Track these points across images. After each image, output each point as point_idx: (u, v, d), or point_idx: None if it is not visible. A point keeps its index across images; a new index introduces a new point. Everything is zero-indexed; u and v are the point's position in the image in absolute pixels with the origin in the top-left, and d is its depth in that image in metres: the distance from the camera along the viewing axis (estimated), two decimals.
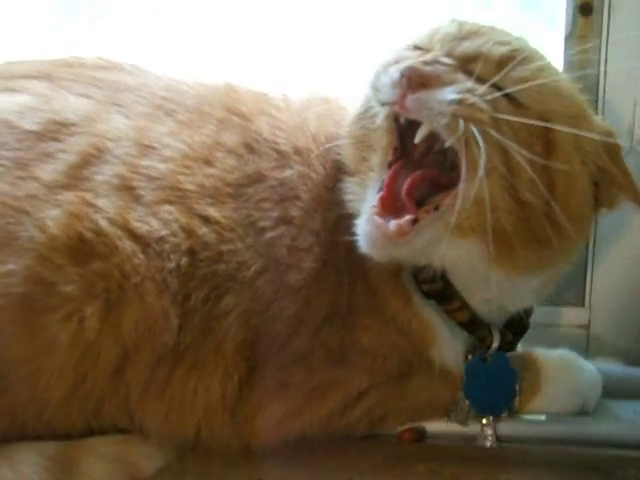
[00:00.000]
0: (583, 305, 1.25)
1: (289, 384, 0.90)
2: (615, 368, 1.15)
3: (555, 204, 0.78)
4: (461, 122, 0.74)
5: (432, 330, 0.92)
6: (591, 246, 1.21)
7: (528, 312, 0.99)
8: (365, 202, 0.84)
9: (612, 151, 0.86)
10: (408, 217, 0.78)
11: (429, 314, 0.92)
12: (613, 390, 1.06)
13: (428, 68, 0.78)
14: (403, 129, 0.82)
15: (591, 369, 1.04)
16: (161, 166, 0.87)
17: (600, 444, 0.97)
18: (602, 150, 0.85)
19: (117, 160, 0.87)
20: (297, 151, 0.92)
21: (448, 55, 0.82)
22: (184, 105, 0.95)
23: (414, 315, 0.91)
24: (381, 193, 0.81)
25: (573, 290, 1.25)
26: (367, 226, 0.80)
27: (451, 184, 0.79)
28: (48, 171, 0.85)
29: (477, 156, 0.74)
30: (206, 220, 0.87)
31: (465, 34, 0.84)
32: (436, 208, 0.79)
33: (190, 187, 0.87)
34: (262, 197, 0.90)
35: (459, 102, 0.75)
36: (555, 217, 0.79)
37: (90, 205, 0.84)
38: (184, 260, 0.85)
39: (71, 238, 0.82)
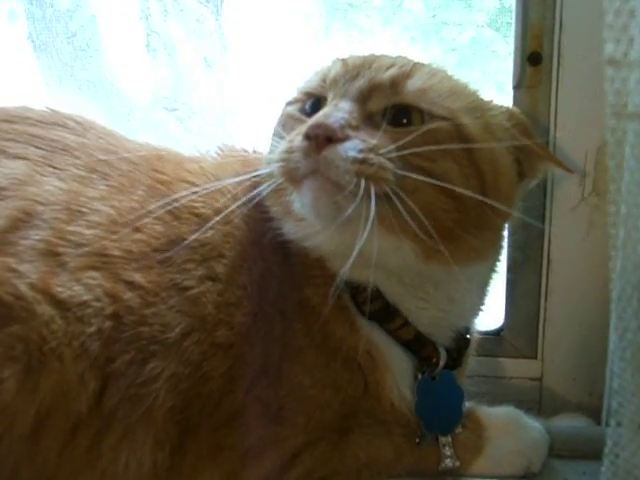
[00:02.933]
0: (535, 357, 1.22)
1: (223, 446, 0.87)
2: (565, 426, 1.12)
3: (487, 189, 0.83)
4: (363, 183, 0.77)
5: (381, 353, 0.90)
6: (543, 299, 1.19)
7: (468, 328, 0.99)
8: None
9: (522, 128, 0.91)
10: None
11: (375, 336, 0.90)
12: (562, 450, 1.02)
13: (329, 120, 0.79)
14: None
15: (537, 427, 1.01)
16: (88, 232, 0.86)
17: None
18: (513, 130, 0.89)
19: (45, 225, 0.85)
20: (217, 212, 0.90)
21: (344, 97, 0.84)
22: (118, 169, 0.93)
23: (360, 339, 0.89)
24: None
25: (525, 342, 1.21)
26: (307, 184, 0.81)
27: None
28: None
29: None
30: (131, 285, 0.85)
31: (354, 71, 0.87)
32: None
33: (116, 253, 0.86)
34: (185, 259, 0.88)
35: (362, 161, 0.77)
36: (489, 200, 0.82)
37: (12, 270, 0.82)
38: (107, 324, 0.83)
39: None
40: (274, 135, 0.93)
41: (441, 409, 0.94)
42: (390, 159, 0.79)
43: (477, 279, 0.95)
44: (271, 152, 0.89)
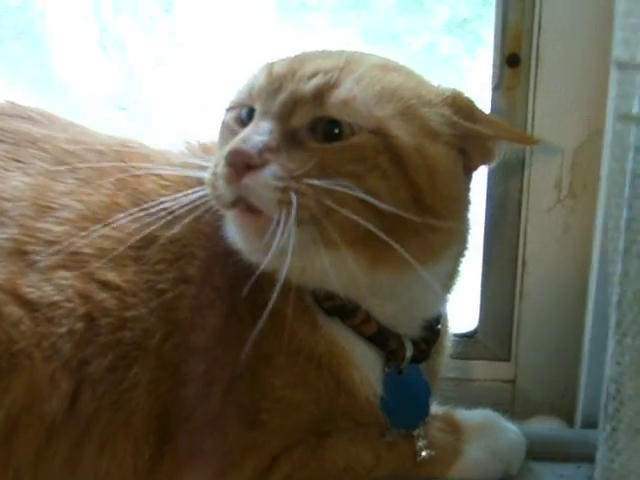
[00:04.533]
0: (509, 360, 1.22)
1: (202, 451, 0.85)
2: (541, 429, 1.12)
3: (423, 197, 0.78)
4: (288, 209, 0.73)
5: (343, 349, 0.88)
6: (517, 301, 1.19)
7: (437, 318, 0.96)
8: None
9: (465, 111, 0.85)
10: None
11: (336, 333, 0.88)
12: (538, 452, 1.02)
13: (246, 146, 0.75)
14: None
15: (514, 430, 1.00)
16: (57, 229, 0.83)
17: None
18: (455, 117, 0.83)
19: (12, 222, 0.82)
20: (182, 205, 0.86)
21: (266, 115, 0.79)
22: (86, 161, 0.90)
23: (321, 338, 0.87)
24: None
25: (499, 345, 1.22)
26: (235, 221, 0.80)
27: None
28: None
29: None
30: (105, 285, 0.83)
31: (276, 83, 0.81)
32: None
33: (88, 251, 0.83)
34: (158, 258, 0.86)
35: (282, 190, 0.74)
36: (427, 206, 0.79)
37: None
38: (79, 325, 0.80)
39: None
40: (218, 144, 0.90)
41: (408, 403, 0.93)
42: (311, 182, 0.75)
43: (438, 274, 0.89)
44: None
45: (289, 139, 0.78)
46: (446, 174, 0.83)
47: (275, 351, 0.86)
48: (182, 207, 0.82)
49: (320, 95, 0.78)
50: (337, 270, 0.79)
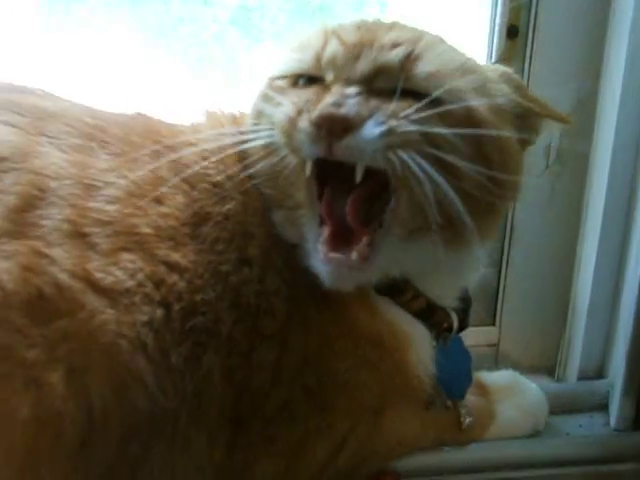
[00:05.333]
0: (494, 324, 1.26)
1: (274, 438, 0.84)
2: (548, 385, 1.18)
3: (497, 174, 0.78)
4: (394, 155, 0.72)
5: (403, 331, 0.89)
6: (504, 267, 1.23)
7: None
8: (308, 240, 0.81)
9: (522, 90, 0.88)
10: (364, 240, 0.76)
11: (393, 313, 0.89)
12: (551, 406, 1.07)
13: (343, 110, 0.73)
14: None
15: (535, 387, 1.07)
16: (110, 208, 0.76)
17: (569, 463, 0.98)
18: (514, 95, 0.86)
19: (63, 202, 0.74)
20: (230, 178, 0.84)
21: (349, 83, 0.78)
22: (114, 135, 0.83)
23: (382, 321, 0.87)
24: (327, 228, 0.77)
25: (484, 310, 1.25)
26: (327, 267, 0.77)
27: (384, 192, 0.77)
28: None
29: (411, 181, 0.73)
30: (173, 267, 0.77)
31: (354, 51, 0.80)
32: (380, 224, 0.78)
33: (146, 230, 0.77)
34: (214, 237, 0.81)
35: (388, 133, 0.73)
36: (497, 184, 0.79)
37: (43, 256, 0.71)
38: (159, 312, 0.75)
39: (30, 295, 0.69)
40: (257, 112, 0.87)
41: (456, 374, 0.96)
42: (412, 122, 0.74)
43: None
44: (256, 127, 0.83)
45: (374, 95, 0.77)
46: (512, 151, 0.84)
47: (336, 336, 0.85)
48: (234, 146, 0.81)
49: (405, 68, 0.78)
50: (411, 250, 0.82)
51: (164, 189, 0.80)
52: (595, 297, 1.16)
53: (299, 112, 0.75)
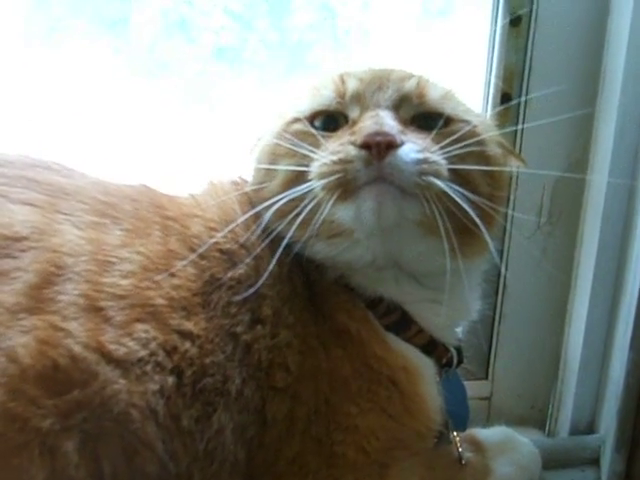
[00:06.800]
0: (486, 378, 1.29)
1: None
2: (541, 440, 1.20)
3: (495, 188, 0.89)
4: (426, 181, 0.79)
5: (415, 365, 0.91)
6: (497, 323, 1.26)
7: None
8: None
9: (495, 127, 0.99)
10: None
11: (403, 348, 0.91)
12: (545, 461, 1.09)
13: (386, 128, 0.81)
14: None
15: (529, 443, 1.07)
16: (124, 282, 0.78)
17: None
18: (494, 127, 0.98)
19: (79, 278, 0.76)
20: (240, 245, 0.87)
21: (379, 107, 0.86)
22: (125, 211, 0.86)
23: (397, 355, 0.89)
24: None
25: (478, 365, 1.28)
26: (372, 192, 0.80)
27: None
28: (7, 293, 0.72)
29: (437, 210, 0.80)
30: (185, 335, 0.79)
31: (375, 83, 0.89)
32: None
33: (160, 302, 0.79)
34: (226, 301, 0.83)
35: (423, 162, 0.80)
36: (495, 198, 0.87)
37: (59, 329, 0.72)
38: (171, 380, 0.76)
39: (45, 367, 0.70)
40: (274, 154, 0.91)
41: (457, 406, 0.98)
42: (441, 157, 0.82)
43: (480, 272, 1.00)
44: (273, 178, 0.89)
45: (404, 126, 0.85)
46: (503, 172, 0.92)
47: (350, 376, 0.87)
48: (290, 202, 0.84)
49: (421, 93, 0.89)
50: (427, 256, 0.87)
51: (176, 262, 0.82)
52: (586, 353, 1.19)
53: (343, 146, 0.82)
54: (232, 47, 1.37)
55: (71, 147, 1.20)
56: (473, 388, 1.26)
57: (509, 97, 1.15)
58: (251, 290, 0.83)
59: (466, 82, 1.15)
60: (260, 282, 0.83)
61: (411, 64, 0.96)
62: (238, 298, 0.83)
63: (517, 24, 1.16)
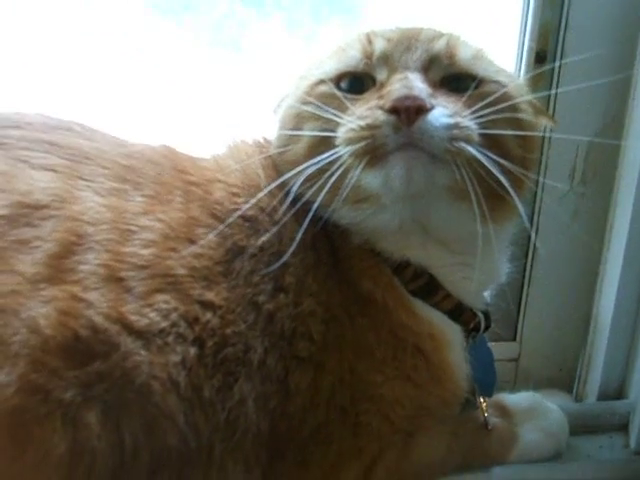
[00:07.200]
0: (514, 340, 1.28)
1: (308, 464, 0.85)
2: (568, 405, 1.19)
3: (527, 152, 0.88)
4: (457, 147, 0.78)
5: (442, 331, 0.91)
6: (526, 286, 1.25)
7: None
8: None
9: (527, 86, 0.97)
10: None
11: (429, 314, 0.91)
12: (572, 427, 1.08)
13: (415, 91, 0.79)
14: None
15: (556, 409, 1.06)
16: (145, 252, 0.78)
17: None
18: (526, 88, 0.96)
19: (100, 247, 0.76)
20: (263, 211, 0.86)
21: (407, 69, 0.83)
22: (147, 175, 0.85)
23: (422, 322, 0.89)
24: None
25: (506, 327, 1.27)
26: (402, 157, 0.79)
27: None
28: (28, 262, 0.72)
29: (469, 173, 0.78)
30: (207, 305, 0.79)
31: (404, 43, 0.87)
32: None
33: (181, 272, 0.79)
34: (249, 270, 0.83)
35: (454, 127, 0.78)
36: (527, 161, 0.88)
37: (80, 300, 0.72)
38: (192, 351, 0.77)
39: (66, 338, 0.70)
40: (298, 117, 0.89)
41: (484, 371, 0.98)
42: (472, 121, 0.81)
43: (509, 235, 0.99)
44: (297, 142, 0.88)
45: (434, 89, 0.83)
46: (535, 136, 0.92)
47: (375, 344, 0.86)
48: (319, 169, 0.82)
49: (451, 54, 0.87)
50: (456, 222, 0.86)
51: (198, 229, 0.82)
52: (617, 316, 1.16)
53: (370, 110, 0.80)
54: None
55: (93, 90, 1.20)
56: (501, 349, 1.27)
57: (544, 56, 1.11)
58: (281, 261, 0.82)
59: (499, 40, 1.12)
60: (289, 251, 0.82)
61: (441, 21, 0.93)
62: (266, 271, 0.82)
63: None
